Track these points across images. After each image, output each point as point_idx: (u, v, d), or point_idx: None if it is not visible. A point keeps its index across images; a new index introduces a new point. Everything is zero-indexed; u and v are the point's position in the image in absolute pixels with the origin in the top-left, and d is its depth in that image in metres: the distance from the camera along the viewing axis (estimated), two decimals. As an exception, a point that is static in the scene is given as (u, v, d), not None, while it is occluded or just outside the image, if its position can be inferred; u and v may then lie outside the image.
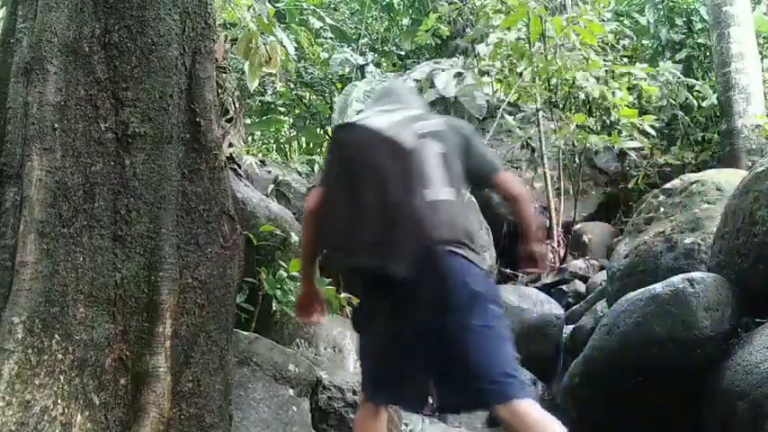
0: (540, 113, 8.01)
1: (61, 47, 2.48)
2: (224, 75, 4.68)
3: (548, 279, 6.98)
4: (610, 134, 7.81)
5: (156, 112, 2.60)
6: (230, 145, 4.78)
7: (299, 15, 10.42)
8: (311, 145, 11.72)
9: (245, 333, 3.63)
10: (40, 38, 2.46)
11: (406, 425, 3.77)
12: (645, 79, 8.13)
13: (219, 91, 4.22)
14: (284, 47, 6.05)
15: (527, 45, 7.95)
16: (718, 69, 8.19)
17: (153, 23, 2.63)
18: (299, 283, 3.68)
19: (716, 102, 8.45)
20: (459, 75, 9.45)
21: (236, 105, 5.03)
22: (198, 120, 2.72)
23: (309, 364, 3.74)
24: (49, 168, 2.37)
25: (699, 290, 3.50)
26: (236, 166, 4.77)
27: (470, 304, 2.08)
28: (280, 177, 6.27)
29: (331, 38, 11.27)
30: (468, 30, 10.42)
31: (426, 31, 9.85)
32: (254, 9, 5.42)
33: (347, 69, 10.88)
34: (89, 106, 2.52)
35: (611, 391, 3.84)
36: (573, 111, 8.39)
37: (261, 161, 6.46)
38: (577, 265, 7.18)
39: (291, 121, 11.63)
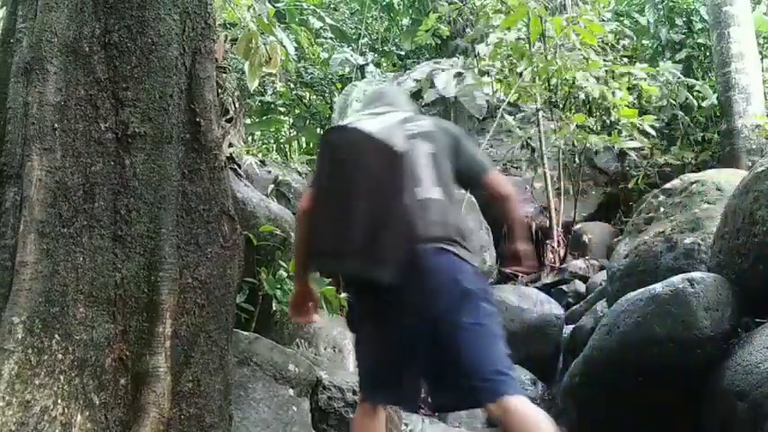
0: (540, 113, 7.99)
1: (61, 47, 2.48)
2: (224, 75, 4.68)
3: (548, 279, 6.98)
4: (610, 134, 7.80)
5: (156, 112, 2.60)
6: (230, 145, 4.78)
7: (299, 15, 10.42)
8: (311, 145, 11.70)
9: (245, 333, 3.63)
10: (40, 38, 2.46)
11: (406, 425, 3.76)
12: (645, 79, 8.12)
13: (219, 91, 4.22)
14: (284, 47, 6.05)
15: (527, 45, 7.93)
16: (718, 69, 8.19)
17: (153, 23, 2.63)
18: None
19: (716, 102, 8.45)
20: (459, 75, 9.45)
21: (236, 105, 5.03)
22: (198, 120, 2.72)
23: (309, 364, 3.74)
24: (49, 168, 2.37)
25: (699, 290, 3.49)
26: (236, 166, 4.77)
27: (462, 302, 2.08)
28: (280, 177, 6.27)
29: (331, 38, 11.28)
30: (468, 30, 10.41)
31: (426, 31, 9.84)
32: (254, 9, 5.42)
33: (347, 69, 10.89)
34: (89, 106, 2.51)
35: (611, 391, 3.83)
36: (573, 111, 8.37)
37: (261, 161, 6.45)
38: (577, 265, 7.18)
39: (291, 121, 11.64)
